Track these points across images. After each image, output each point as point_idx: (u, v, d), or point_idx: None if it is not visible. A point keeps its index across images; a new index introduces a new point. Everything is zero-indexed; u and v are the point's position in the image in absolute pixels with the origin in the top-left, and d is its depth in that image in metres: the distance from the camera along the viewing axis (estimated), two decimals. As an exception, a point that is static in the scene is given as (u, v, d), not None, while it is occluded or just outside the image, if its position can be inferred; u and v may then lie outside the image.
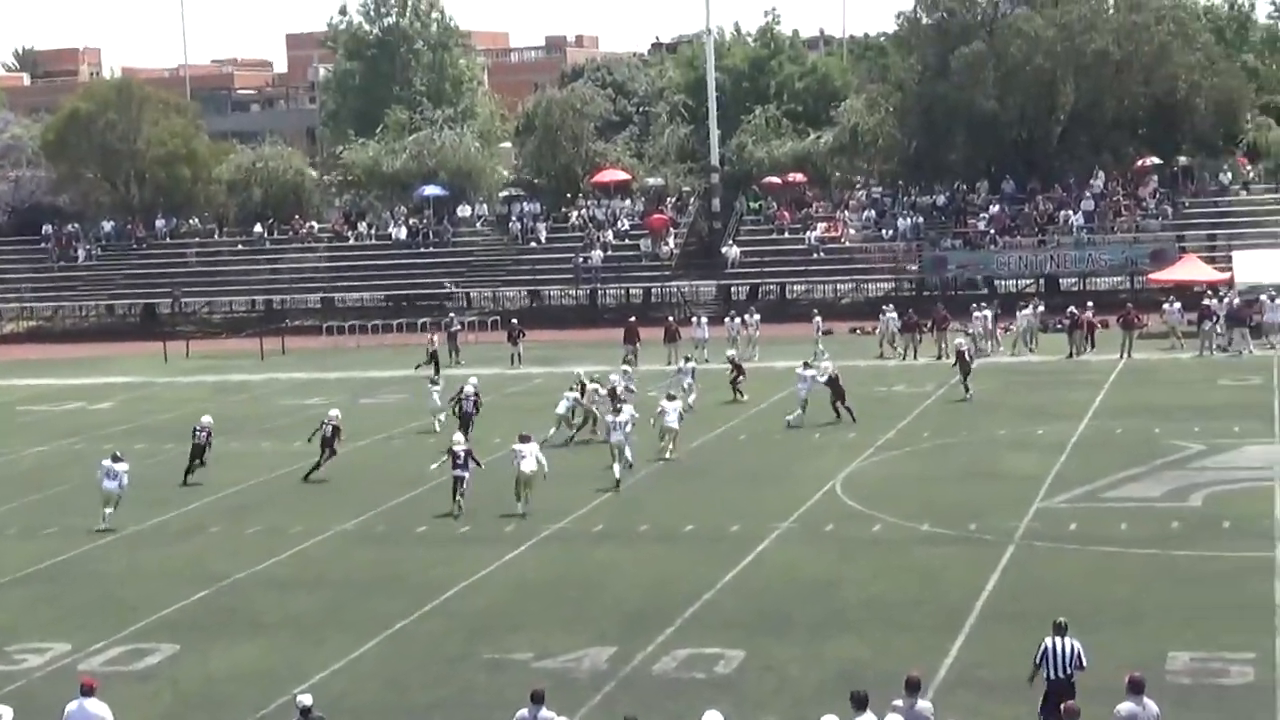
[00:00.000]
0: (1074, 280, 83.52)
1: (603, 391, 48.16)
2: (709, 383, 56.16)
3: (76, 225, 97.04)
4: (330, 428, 44.65)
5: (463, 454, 39.06)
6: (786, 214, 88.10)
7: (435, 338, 68.09)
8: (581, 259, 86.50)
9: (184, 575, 34.01)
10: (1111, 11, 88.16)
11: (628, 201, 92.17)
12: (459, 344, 70.78)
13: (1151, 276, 76.21)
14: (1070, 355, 63.52)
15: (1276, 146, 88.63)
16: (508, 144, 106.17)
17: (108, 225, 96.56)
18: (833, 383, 50.63)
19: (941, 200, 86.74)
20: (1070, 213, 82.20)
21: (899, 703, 20.43)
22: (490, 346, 72.79)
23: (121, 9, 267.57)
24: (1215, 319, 63.45)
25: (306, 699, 21.22)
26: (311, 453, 44.72)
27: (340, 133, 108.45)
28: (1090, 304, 67.45)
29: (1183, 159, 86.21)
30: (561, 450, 45.19)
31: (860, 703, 20.19)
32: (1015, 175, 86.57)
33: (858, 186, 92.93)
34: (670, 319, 70.12)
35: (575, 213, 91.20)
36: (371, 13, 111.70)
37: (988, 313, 66.84)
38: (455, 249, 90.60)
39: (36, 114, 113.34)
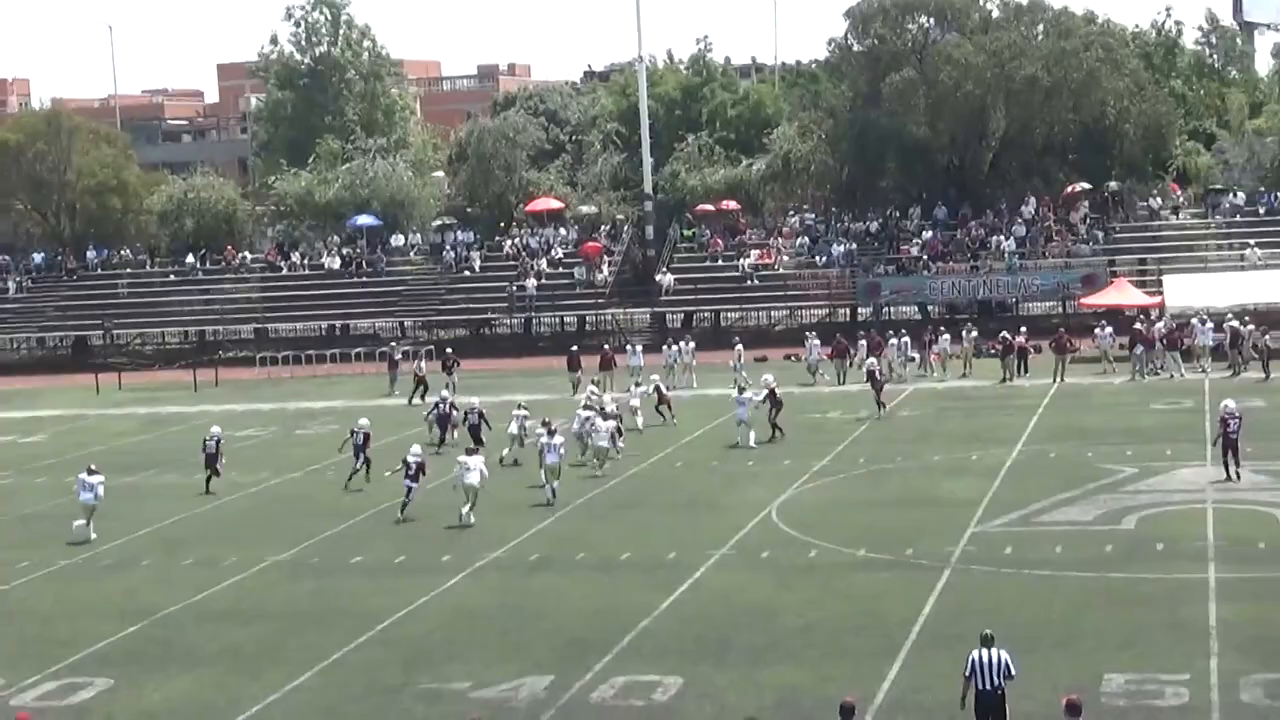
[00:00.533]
0: (1006, 305, 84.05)
1: (609, 408, 51.24)
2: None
3: (6, 257, 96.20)
4: (361, 435, 46.64)
5: (415, 465, 41.20)
6: (720, 241, 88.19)
7: (423, 364, 67.96)
8: (516, 287, 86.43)
9: (117, 609, 33.74)
10: (1041, 38, 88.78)
11: (561, 230, 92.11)
12: (398, 374, 70.44)
13: (1083, 301, 76.70)
14: (1003, 380, 63.83)
15: (1205, 171, 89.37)
16: (441, 173, 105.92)
17: (38, 257, 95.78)
18: (771, 395, 51.61)
19: (874, 227, 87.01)
20: (1002, 238, 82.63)
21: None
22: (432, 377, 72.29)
23: (50, 39, 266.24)
24: (1147, 343, 63.81)
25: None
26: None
27: (272, 163, 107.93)
28: (1023, 329, 67.84)
29: (1113, 184, 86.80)
30: (498, 478, 45.00)
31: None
32: (947, 201, 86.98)
33: (791, 213, 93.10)
34: (606, 347, 70.13)
35: (509, 241, 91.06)
36: (303, 42, 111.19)
37: (907, 339, 67.22)
38: (389, 279, 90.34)
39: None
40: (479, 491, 40.69)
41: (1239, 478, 41.40)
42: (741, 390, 53.03)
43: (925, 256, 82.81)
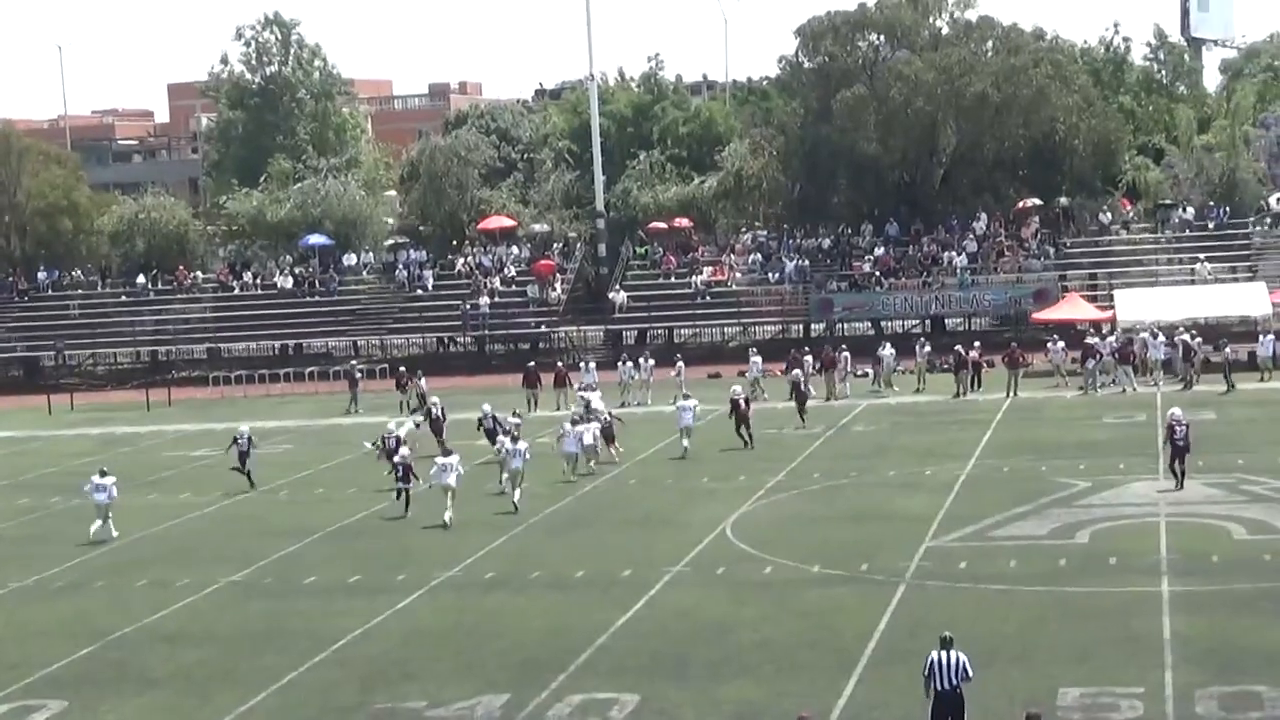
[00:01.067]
0: (959, 320, 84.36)
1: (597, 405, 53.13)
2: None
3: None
4: (394, 439, 47.61)
5: (402, 469, 43.70)
6: (673, 259, 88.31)
7: (423, 382, 67.83)
8: (469, 306, 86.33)
9: (70, 631, 33.50)
10: (990, 55, 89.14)
11: (514, 248, 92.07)
12: (358, 392, 70.22)
13: (1035, 316, 77.04)
14: (957, 395, 64.01)
15: (1155, 186, 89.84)
16: (393, 192, 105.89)
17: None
18: (735, 405, 52.58)
19: (827, 243, 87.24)
20: (954, 254, 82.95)
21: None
22: (391, 395, 72.06)
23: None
24: (1099, 357, 64.10)
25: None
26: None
27: (224, 182, 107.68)
28: (977, 344, 68.08)
29: (1063, 200, 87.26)
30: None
31: None
32: (899, 217, 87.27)
33: (743, 230, 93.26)
34: (560, 364, 70.12)
35: (461, 260, 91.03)
36: (253, 61, 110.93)
37: (847, 355, 67.58)
38: (342, 298, 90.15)
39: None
40: (456, 492, 42.25)
41: (1183, 486, 41.76)
42: (687, 398, 54.22)
43: (878, 273, 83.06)
